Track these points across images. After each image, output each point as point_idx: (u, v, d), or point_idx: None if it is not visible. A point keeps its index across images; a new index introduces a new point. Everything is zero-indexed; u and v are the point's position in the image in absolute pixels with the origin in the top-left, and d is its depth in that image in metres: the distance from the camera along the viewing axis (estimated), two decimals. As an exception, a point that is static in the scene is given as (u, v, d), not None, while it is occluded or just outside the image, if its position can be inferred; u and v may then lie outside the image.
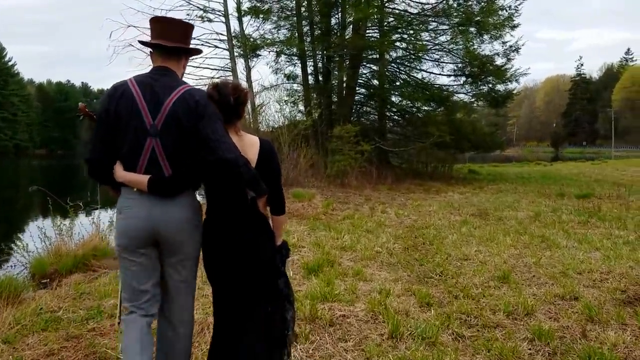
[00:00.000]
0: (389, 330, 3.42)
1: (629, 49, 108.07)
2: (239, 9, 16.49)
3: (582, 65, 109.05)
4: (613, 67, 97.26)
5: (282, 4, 17.06)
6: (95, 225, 6.69)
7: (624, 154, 59.81)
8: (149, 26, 2.42)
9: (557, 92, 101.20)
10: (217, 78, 17.28)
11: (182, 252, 2.34)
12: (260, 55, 17.02)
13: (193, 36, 2.54)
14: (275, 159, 2.50)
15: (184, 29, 2.43)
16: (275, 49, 16.29)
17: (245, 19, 16.70)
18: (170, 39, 2.34)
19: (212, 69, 17.51)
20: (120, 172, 2.28)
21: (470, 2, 16.39)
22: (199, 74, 16.90)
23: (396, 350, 3.18)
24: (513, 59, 17.20)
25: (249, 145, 2.40)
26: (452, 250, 6.12)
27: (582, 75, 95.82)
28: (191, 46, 2.50)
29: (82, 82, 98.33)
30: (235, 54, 16.84)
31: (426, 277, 5.02)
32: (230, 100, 2.33)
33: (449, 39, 16.88)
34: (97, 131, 2.31)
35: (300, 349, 3.13)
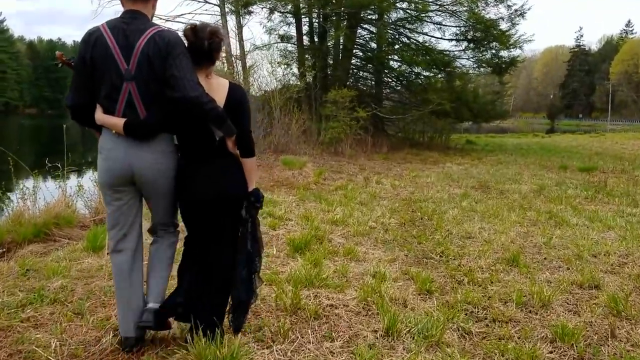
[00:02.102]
0: (384, 325, 2.86)
1: (629, 21, 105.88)
2: (230, -39, 15.44)
3: (581, 36, 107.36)
4: (612, 40, 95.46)
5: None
6: (62, 189, 6.02)
7: (619, 127, 59.26)
8: None
9: (556, 63, 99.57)
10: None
11: (157, 192, 2.46)
12: (252, 12, 16.05)
13: None
14: (245, 103, 2.51)
15: None
16: (268, 5, 15.30)
17: (237, -28, 15.66)
18: None
19: (201, 26, 16.59)
20: (99, 115, 2.36)
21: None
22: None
23: (393, 353, 2.63)
24: (518, 24, 16.40)
25: (217, 88, 2.40)
26: (453, 227, 5.58)
27: (582, 47, 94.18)
28: None
29: (74, 40, 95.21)
30: (226, 9, 15.87)
31: (425, 258, 4.49)
32: (204, 44, 2.32)
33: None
34: (76, 78, 2.38)
35: (276, 351, 2.58)
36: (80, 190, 6.23)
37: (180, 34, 2.41)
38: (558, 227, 5.69)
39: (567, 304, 3.48)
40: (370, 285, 3.54)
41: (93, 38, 2.29)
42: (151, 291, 2.57)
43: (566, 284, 3.81)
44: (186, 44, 2.35)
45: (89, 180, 6.58)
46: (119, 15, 2.40)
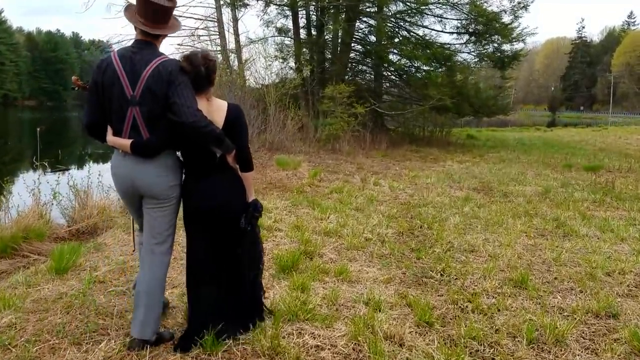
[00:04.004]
0: (377, 375, 2.48)
1: (631, 12, 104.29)
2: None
3: (583, 28, 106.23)
4: (614, 31, 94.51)
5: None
6: (35, 196, 5.57)
7: (620, 119, 58.71)
8: None
9: (557, 55, 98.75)
10: (202, 29, 15.89)
11: (160, 203, 2.66)
12: (248, 5, 15.59)
13: None
14: (242, 122, 2.75)
15: (164, 11, 2.58)
16: (264, -3, 14.84)
17: (232, -37, 15.14)
18: (150, 21, 2.56)
19: (195, 19, 16.18)
20: (109, 137, 2.63)
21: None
22: (182, 23, 15.55)
23: (386, 413, 2.25)
24: (521, 17, 15.91)
25: (216, 110, 2.66)
26: (455, 238, 5.19)
27: (583, 39, 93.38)
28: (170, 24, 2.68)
29: (73, 32, 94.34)
30: (221, 2, 15.39)
31: (425, 277, 4.10)
32: (201, 70, 2.57)
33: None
34: (89, 100, 2.63)
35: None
36: (56, 197, 5.79)
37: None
38: (567, 239, 5.31)
39: (583, 338, 3.10)
40: (363, 317, 3.15)
41: (104, 65, 2.55)
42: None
43: (580, 312, 3.43)
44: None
45: (67, 185, 6.08)
46: (130, 44, 2.65)
